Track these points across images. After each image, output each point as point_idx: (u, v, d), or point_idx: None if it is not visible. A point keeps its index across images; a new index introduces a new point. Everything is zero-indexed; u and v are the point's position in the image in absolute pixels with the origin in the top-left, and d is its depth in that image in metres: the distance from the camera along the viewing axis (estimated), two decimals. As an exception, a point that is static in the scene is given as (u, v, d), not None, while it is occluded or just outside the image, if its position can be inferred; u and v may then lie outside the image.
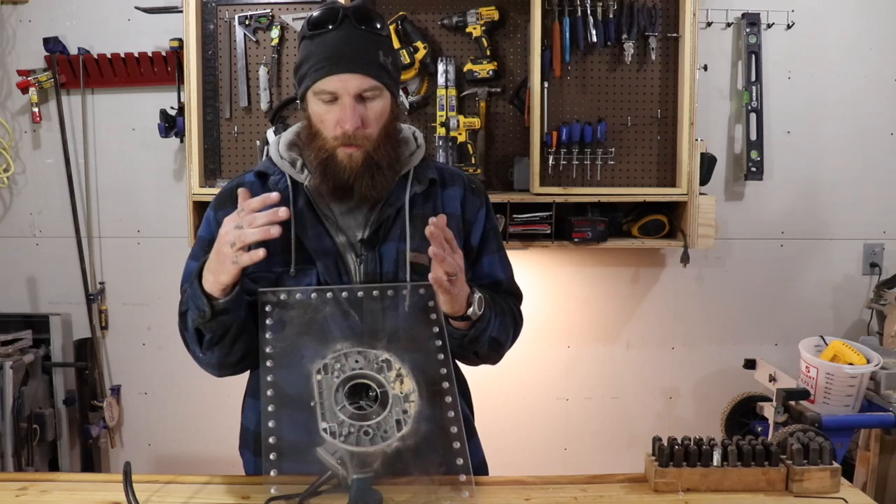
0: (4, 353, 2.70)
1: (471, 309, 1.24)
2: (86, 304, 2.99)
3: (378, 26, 1.31)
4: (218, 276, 1.16)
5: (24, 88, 2.86)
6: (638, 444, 3.00)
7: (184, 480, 1.27)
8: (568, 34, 2.56)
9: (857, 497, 1.22)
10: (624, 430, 3.06)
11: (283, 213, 1.12)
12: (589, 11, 2.56)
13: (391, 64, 1.32)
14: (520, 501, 1.20)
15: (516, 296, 1.48)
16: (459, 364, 1.45)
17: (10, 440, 2.67)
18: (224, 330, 1.23)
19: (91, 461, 2.99)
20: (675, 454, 1.23)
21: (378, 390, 1.12)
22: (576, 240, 2.59)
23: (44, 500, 1.21)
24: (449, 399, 1.15)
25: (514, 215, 2.57)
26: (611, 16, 2.58)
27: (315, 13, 1.30)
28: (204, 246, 1.36)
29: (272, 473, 1.09)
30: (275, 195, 1.14)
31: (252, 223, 1.12)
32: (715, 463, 1.22)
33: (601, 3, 2.57)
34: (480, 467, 1.49)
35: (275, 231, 1.11)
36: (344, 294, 1.23)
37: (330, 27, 1.28)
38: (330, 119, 1.28)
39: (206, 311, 1.19)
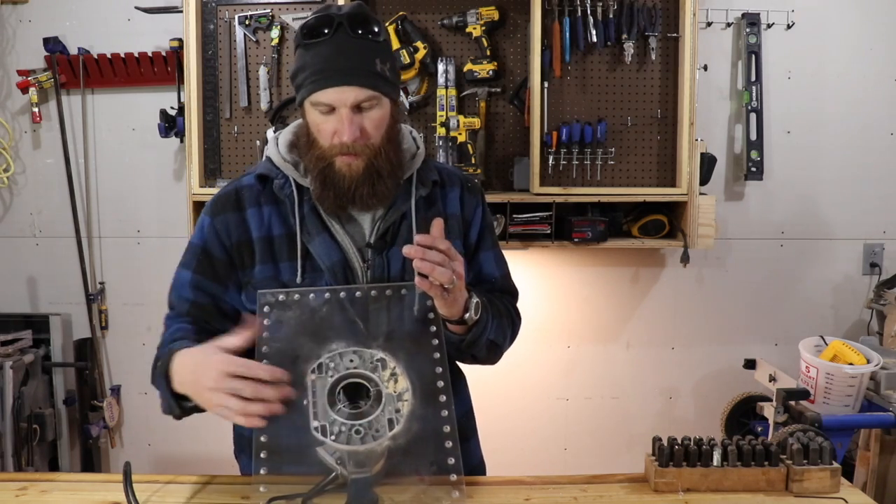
0: (4, 353, 2.70)
1: (468, 314, 1.23)
2: (86, 304, 2.99)
3: (375, 30, 1.26)
4: (199, 405, 1.18)
5: (24, 88, 2.86)
6: (638, 444, 3.00)
7: (184, 480, 1.27)
8: (568, 34, 2.56)
9: (857, 497, 1.22)
10: (624, 430, 3.05)
11: (289, 392, 1.09)
12: (589, 11, 2.56)
13: (389, 70, 1.27)
14: (519, 501, 1.20)
15: (512, 294, 1.47)
16: (459, 363, 1.45)
17: (10, 440, 2.67)
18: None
19: (91, 461, 2.99)
20: (675, 454, 1.23)
21: (372, 389, 1.12)
22: (576, 240, 2.59)
23: (44, 500, 1.21)
24: (443, 398, 1.15)
25: (514, 215, 2.57)
26: (611, 16, 2.58)
27: (309, 20, 1.27)
28: (196, 254, 1.34)
29: (262, 472, 1.08)
30: (281, 373, 1.10)
31: (258, 394, 1.08)
32: (715, 463, 1.22)
33: (601, 3, 2.57)
34: (479, 467, 1.48)
35: (259, 423, 1.08)
36: (342, 294, 1.23)
37: (324, 35, 1.23)
38: (327, 129, 1.25)
39: (176, 411, 1.23)
